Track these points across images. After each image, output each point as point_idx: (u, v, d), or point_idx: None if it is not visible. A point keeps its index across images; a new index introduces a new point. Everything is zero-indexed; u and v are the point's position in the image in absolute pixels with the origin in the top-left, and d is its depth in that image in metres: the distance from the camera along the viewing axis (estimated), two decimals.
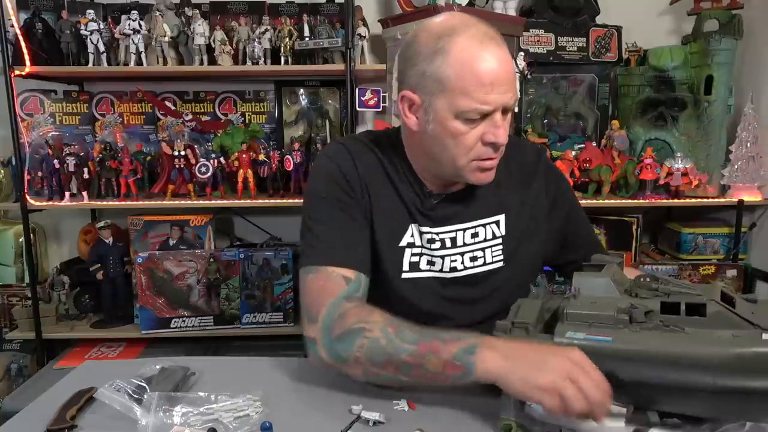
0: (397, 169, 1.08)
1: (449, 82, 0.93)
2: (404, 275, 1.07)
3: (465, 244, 1.09)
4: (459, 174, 1.02)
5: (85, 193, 2.05)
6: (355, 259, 1.02)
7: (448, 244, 1.08)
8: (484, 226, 1.10)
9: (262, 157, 2.08)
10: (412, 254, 1.07)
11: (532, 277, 1.20)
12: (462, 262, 1.09)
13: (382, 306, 0.96)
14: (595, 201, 2.04)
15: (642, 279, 0.88)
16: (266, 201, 2.08)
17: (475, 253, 1.09)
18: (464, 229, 1.09)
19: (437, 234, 1.07)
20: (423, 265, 1.08)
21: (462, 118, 0.95)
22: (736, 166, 2.07)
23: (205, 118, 2.34)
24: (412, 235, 1.07)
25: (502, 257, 1.11)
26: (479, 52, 0.93)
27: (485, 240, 1.10)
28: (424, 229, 1.07)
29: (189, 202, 2.06)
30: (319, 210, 1.06)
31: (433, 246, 1.07)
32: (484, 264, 1.10)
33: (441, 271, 1.08)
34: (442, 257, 1.08)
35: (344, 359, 0.92)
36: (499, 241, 1.11)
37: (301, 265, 1.04)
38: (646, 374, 0.76)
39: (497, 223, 1.11)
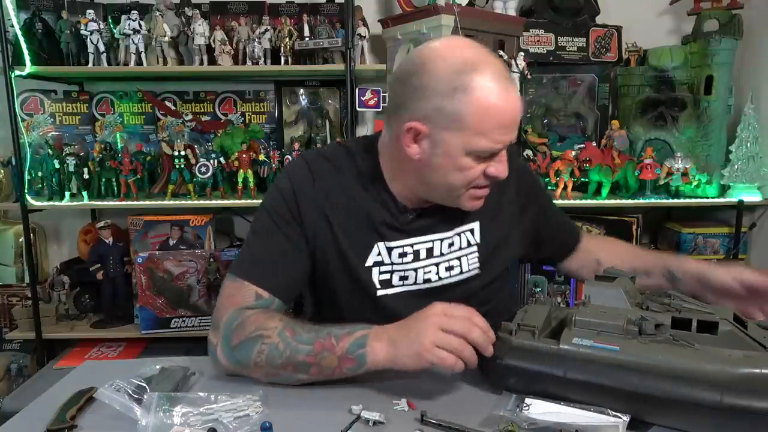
0: (366, 187, 1.07)
1: (468, 121, 0.92)
2: (379, 293, 1.07)
3: (441, 254, 1.09)
4: (452, 201, 1.03)
5: (85, 193, 2.05)
6: (273, 282, 1.02)
7: (423, 255, 1.08)
8: (459, 234, 1.10)
9: (262, 157, 2.08)
10: (381, 272, 1.07)
11: (506, 276, 1.22)
12: (437, 273, 1.09)
13: (370, 319, 0.96)
14: (595, 201, 2.04)
15: (653, 293, 0.88)
16: None
17: (451, 263, 1.10)
18: (441, 239, 1.09)
19: (412, 245, 1.07)
20: (395, 281, 1.08)
21: (473, 155, 0.95)
22: (736, 166, 2.07)
23: (205, 118, 2.34)
24: (379, 254, 1.06)
25: (477, 264, 1.11)
26: (501, 96, 0.92)
27: (460, 248, 1.10)
28: (396, 243, 1.06)
29: (189, 202, 2.06)
30: (261, 224, 1.08)
31: (406, 259, 1.07)
32: (461, 273, 1.10)
33: (415, 283, 1.08)
34: (416, 270, 1.08)
35: (244, 365, 0.95)
36: (474, 249, 1.11)
37: (229, 271, 1.06)
38: (652, 387, 0.75)
39: (472, 231, 1.11)
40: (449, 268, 1.09)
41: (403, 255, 1.07)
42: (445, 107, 0.92)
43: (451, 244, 1.09)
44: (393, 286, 1.07)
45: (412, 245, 1.07)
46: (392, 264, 1.07)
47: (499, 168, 0.98)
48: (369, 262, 1.06)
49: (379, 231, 1.06)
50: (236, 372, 0.97)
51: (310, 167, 1.08)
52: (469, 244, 1.11)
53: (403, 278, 1.08)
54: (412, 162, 0.99)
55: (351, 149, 1.12)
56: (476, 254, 1.11)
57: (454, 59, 0.92)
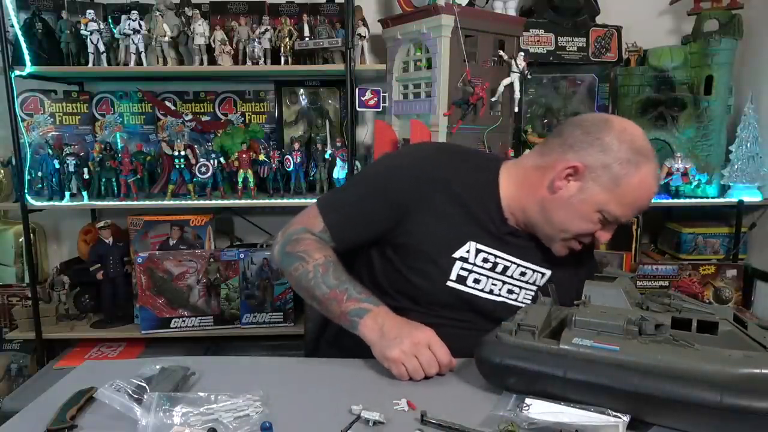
0: (479, 191, 1.16)
1: (621, 190, 1.05)
2: (449, 284, 1.13)
3: (512, 277, 1.17)
4: (549, 239, 1.14)
5: (85, 193, 2.05)
6: (341, 232, 1.17)
7: (500, 269, 1.16)
8: (533, 271, 1.18)
9: (262, 157, 2.08)
10: (462, 268, 1.13)
11: None
12: (500, 290, 1.17)
13: (420, 297, 1.13)
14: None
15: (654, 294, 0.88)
16: (266, 201, 2.08)
17: (513, 289, 1.18)
18: (519, 265, 1.17)
19: (497, 257, 1.15)
20: (470, 281, 1.14)
21: (602, 215, 1.08)
22: (736, 166, 2.07)
23: (205, 118, 2.34)
24: (468, 251, 1.13)
25: (528, 303, 1.19)
26: (652, 189, 1.10)
27: (527, 282, 1.19)
28: (486, 249, 1.14)
29: (189, 202, 2.06)
30: (368, 179, 1.24)
31: (486, 266, 1.14)
32: (515, 301, 1.18)
33: (482, 290, 1.15)
34: (488, 278, 1.15)
35: (282, 269, 1.18)
36: (534, 290, 1.19)
37: (320, 197, 1.25)
38: (652, 387, 0.75)
39: (543, 275, 1.19)
40: (510, 292, 1.18)
41: (485, 261, 1.14)
42: (612, 168, 1.05)
43: (522, 273, 1.17)
44: (465, 285, 1.14)
45: (496, 256, 1.15)
46: (474, 265, 1.14)
47: (605, 236, 1.12)
48: (456, 255, 1.13)
49: (477, 232, 1.14)
50: (279, 269, 1.21)
51: (438, 152, 1.23)
52: (534, 284, 1.19)
53: (476, 281, 1.15)
54: (548, 192, 1.11)
55: (478, 158, 1.27)
56: (532, 294, 1.19)
57: (637, 140, 1.07)
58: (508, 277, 1.16)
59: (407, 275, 1.15)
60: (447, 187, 1.14)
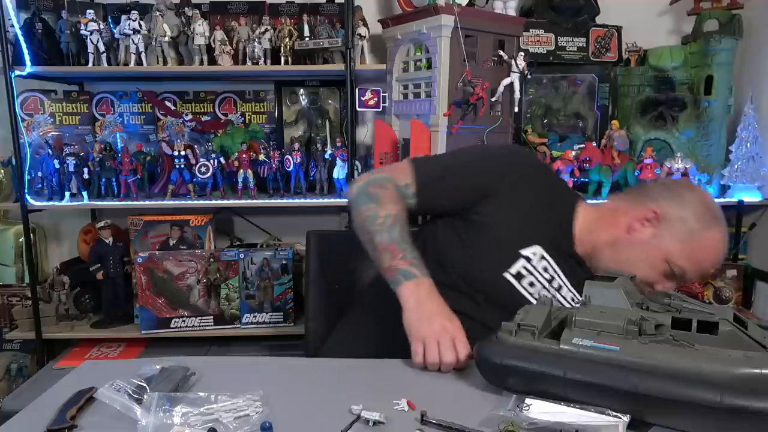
0: (559, 208, 1.21)
1: (692, 244, 1.11)
2: (506, 275, 1.14)
3: (564, 297, 1.19)
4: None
5: (85, 193, 2.05)
6: (427, 193, 1.19)
7: (555, 284, 1.18)
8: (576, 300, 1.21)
9: (262, 157, 2.08)
10: (523, 267, 1.15)
11: None
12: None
13: (469, 276, 1.14)
14: (595, 201, 2.04)
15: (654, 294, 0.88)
16: (266, 201, 2.08)
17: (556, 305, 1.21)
18: (571, 290, 1.19)
19: (556, 271, 1.17)
20: (525, 282, 1.15)
21: (668, 266, 1.13)
22: (736, 166, 2.07)
23: (205, 118, 2.34)
24: (534, 253, 1.16)
25: None
26: (720, 250, 1.15)
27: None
28: (550, 259, 1.17)
29: (189, 202, 2.06)
30: (464, 152, 1.31)
31: (545, 275, 1.16)
32: None
33: (532, 296, 1.16)
34: (543, 286, 1.17)
35: (353, 205, 1.18)
36: None
37: (416, 156, 1.34)
38: (652, 387, 0.75)
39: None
40: None
41: (545, 270, 1.16)
42: (688, 222, 1.12)
43: (572, 299, 1.19)
44: (520, 283, 1.15)
45: (556, 271, 1.17)
46: (535, 269, 1.16)
47: (660, 290, 1.13)
48: (522, 252, 1.15)
49: (547, 240, 1.17)
50: (348, 200, 1.22)
51: (536, 157, 1.40)
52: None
53: (531, 284, 1.16)
54: (623, 233, 1.16)
55: (559, 179, 1.39)
56: None
57: (714, 205, 1.16)
58: (560, 296, 1.18)
59: (469, 253, 1.16)
60: (535, 186, 1.19)
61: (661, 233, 1.13)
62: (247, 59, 2.06)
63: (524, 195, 1.17)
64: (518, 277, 1.15)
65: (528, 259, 1.15)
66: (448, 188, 1.21)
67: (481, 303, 1.14)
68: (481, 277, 1.15)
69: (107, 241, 2.11)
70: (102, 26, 2.02)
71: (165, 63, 2.06)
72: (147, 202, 2.06)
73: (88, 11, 2.01)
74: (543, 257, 1.16)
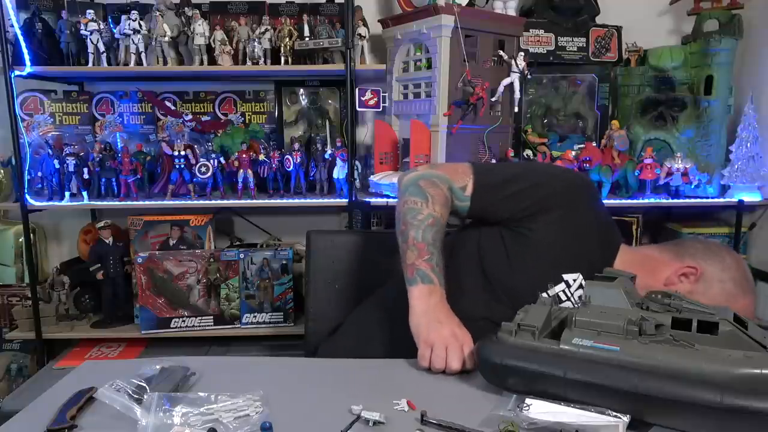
0: (603, 246, 1.22)
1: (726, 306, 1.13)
2: (545, 295, 1.10)
3: None
4: None
5: (85, 193, 2.05)
6: (482, 200, 1.19)
7: None
8: None
9: (262, 157, 2.08)
10: (563, 291, 1.16)
11: None
12: None
13: (501, 283, 1.16)
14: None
15: (654, 294, 0.88)
16: (266, 201, 2.08)
17: None
18: None
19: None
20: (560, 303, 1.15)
21: None
22: (736, 166, 2.07)
23: (205, 118, 2.34)
24: (575, 280, 1.16)
25: None
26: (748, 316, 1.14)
27: None
28: (587, 289, 1.15)
29: (189, 202, 2.06)
30: (525, 165, 1.40)
31: (577, 304, 1.15)
32: None
33: None
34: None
35: (401, 192, 1.20)
36: None
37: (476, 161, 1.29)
38: (652, 387, 0.75)
39: None
40: None
41: (580, 299, 1.15)
42: (726, 284, 1.16)
43: None
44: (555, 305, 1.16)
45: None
46: (572, 296, 1.17)
47: None
48: (566, 276, 1.16)
49: (590, 271, 1.15)
50: (398, 185, 1.24)
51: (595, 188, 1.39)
52: None
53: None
54: (660, 284, 1.17)
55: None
56: None
57: (749, 274, 1.20)
58: None
59: (512, 265, 1.17)
60: (590, 214, 1.20)
61: (697, 290, 1.15)
62: (247, 59, 2.06)
63: (579, 219, 1.18)
64: (556, 300, 1.14)
65: (568, 285, 1.15)
66: (507, 196, 1.19)
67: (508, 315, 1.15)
68: (521, 291, 1.13)
69: (107, 241, 2.11)
70: (102, 26, 2.03)
71: (165, 63, 2.06)
72: (147, 202, 2.06)
73: (88, 11, 2.01)
74: (581, 286, 1.16)
